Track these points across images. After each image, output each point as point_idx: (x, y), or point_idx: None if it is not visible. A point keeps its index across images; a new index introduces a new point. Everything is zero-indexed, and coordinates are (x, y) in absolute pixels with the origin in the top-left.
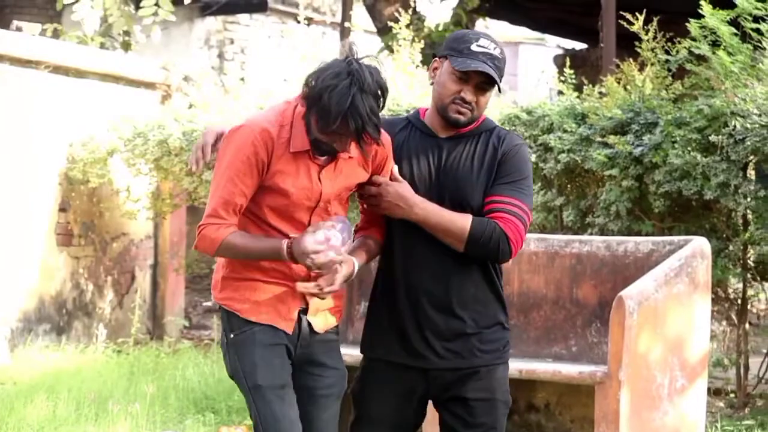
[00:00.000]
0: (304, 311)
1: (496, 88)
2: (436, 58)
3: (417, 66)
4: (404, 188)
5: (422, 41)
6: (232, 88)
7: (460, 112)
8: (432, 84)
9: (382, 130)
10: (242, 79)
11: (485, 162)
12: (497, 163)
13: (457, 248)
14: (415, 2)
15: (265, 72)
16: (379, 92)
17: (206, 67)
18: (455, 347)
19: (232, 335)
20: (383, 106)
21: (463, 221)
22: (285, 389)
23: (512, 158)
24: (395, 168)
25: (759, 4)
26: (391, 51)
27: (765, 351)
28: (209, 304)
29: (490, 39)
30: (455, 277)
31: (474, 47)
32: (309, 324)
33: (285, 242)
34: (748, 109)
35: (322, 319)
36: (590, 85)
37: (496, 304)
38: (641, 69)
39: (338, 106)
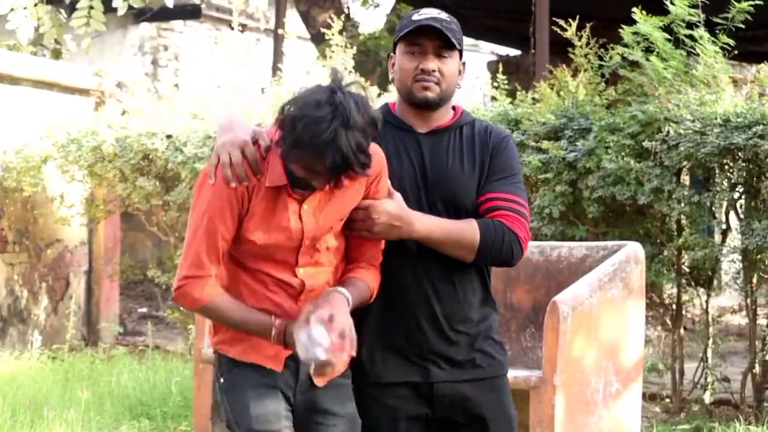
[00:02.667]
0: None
1: (459, 57)
2: (391, 54)
3: (350, 72)
4: (397, 204)
5: (356, 48)
6: (166, 94)
7: (425, 87)
8: (392, 80)
9: (373, 155)
10: (176, 86)
11: (475, 157)
12: (489, 156)
13: (466, 259)
14: (348, 9)
15: (199, 79)
16: (368, 126)
17: (140, 73)
18: (460, 358)
19: (222, 380)
20: (370, 139)
21: (470, 229)
22: None
23: (504, 151)
24: (388, 183)
25: (692, 10)
26: (325, 57)
27: (700, 356)
28: (144, 310)
29: (434, 9)
30: (455, 288)
31: (415, 16)
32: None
33: (276, 325)
34: (681, 114)
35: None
36: (523, 91)
37: (492, 311)
38: (574, 75)
39: (313, 139)
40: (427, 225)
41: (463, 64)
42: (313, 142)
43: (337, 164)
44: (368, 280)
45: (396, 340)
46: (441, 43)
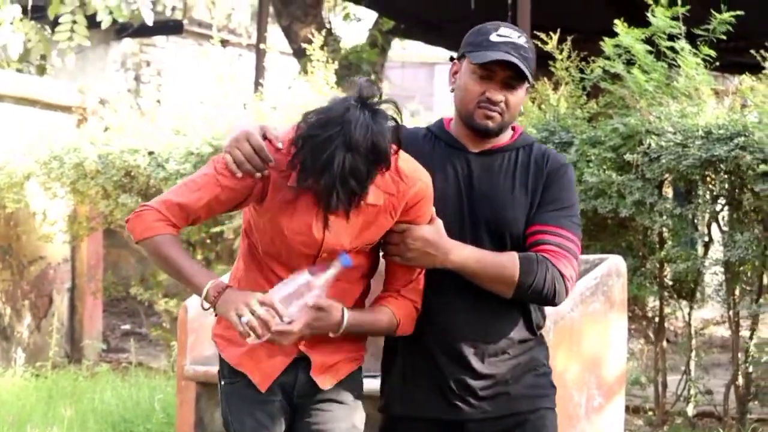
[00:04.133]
0: (304, 363)
1: (527, 83)
2: (455, 61)
3: (332, 87)
4: (435, 231)
5: (337, 62)
6: (149, 110)
7: (488, 116)
8: (452, 91)
9: (413, 178)
10: (158, 102)
11: (528, 182)
12: (542, 185)
13: (505, 294)
14: (330, 23)
15: (182, 94)
16: (371, 151)
17: (122, 89)
18: (495, 393)
19: (223, 382)
20: (380, 166)
21: (510, 263)
22: None
23: (559, 180)
24: (432, 209)
25: (673, 23)
26: (307, 72)
27: (683, 368)
28: (127, 327)
29: (512, 28)
30: (493, 317)
31: (494, 37)
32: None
33: (211, 284)
34: (662, 127)
35: (331, 376)
36: None
37: (536, 343)
38: (555, 88)
39: (313, 160)
40: (463, 255)
41: (529, 87)
42: (313, 163)
43: (327, 185)
44: (393, 307)
45: (424, 373)
46: (513, 73)
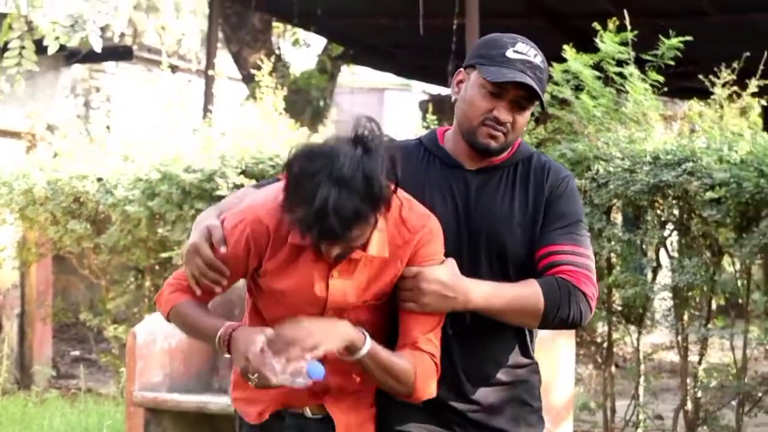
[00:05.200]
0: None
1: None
2: (461, 69)
3: (280, 113)
4: (449, 271)
5: (286, 88)
6: (98, 136)
7: (492, 136)
8: (455, 101)
9: (418, 226)
10: (108, 128)
11: (528, 198)
12: (545, 201)
13: (530, 326)
14: (279, 49)
15: (131, 120)
16: (362, 187)
17: (72, 115)
18: (480, 420)
19: None
20: (375, 208)
21: (534, 294)
22: None
23: (564, 195)
24: (441, 249)
25: (622, 48)
26: (256, 98)
27: (632, 394)
28: (77, 353)
29: (528, 44)
30: (483, 346)
31: (510, 53)
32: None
33: (226, 326)
34: (610, 152)
35: None
36: None
37: (530, 373)
38: None
39: (301, 200)
40: (485, 294)
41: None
42: (300, 203)
43: (309, 223)
44: (411, 360)
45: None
46: (525, 93)
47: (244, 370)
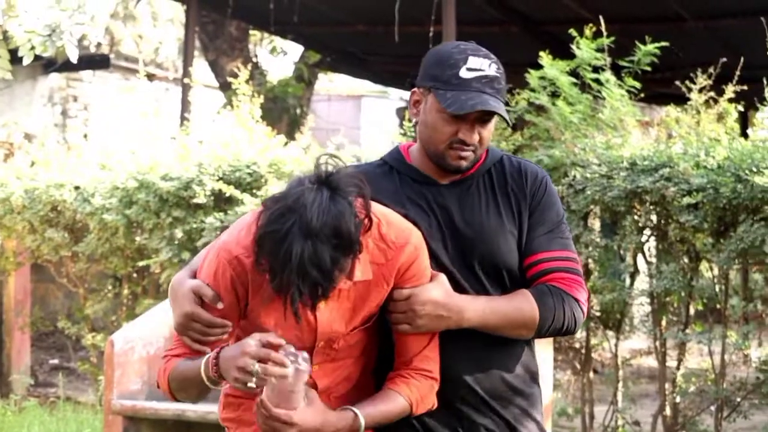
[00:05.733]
0: None
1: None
2: (415, 90)
3: (257, 121)
4: (441, 289)
5: (263, 96)
6: (75, 145)
7: (461, 157)
8: (415, 124)
9: (399, 242)
10: (85, 136)
11: (512, 206)
12: (528, 205)
13: (525, 337)
14: (256, 57)
15: (108, 129)
16: (333, 236)
17: (49, 124)
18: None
19: None
20: (348, 252)
21: (528, 305)
22: None
23: (545, 197)
24: (427, 267)
25: (598, 54)
26: (233, 106)
27: (610, 399)
28: (55, 361)
29: (480, 54)
30: (500, 361)
31: (464, 73)
32: None
33: (210, 358)
34: (587, 159)
35: None
36: None
37: (535, 386)
38: None
39: (274, 258)
40: (480, 311)
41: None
42: (274, 264)
43: (282, 283)
44: (406, 392)
45: (423, 422)
46: (487, 111)
47: (241, 376)
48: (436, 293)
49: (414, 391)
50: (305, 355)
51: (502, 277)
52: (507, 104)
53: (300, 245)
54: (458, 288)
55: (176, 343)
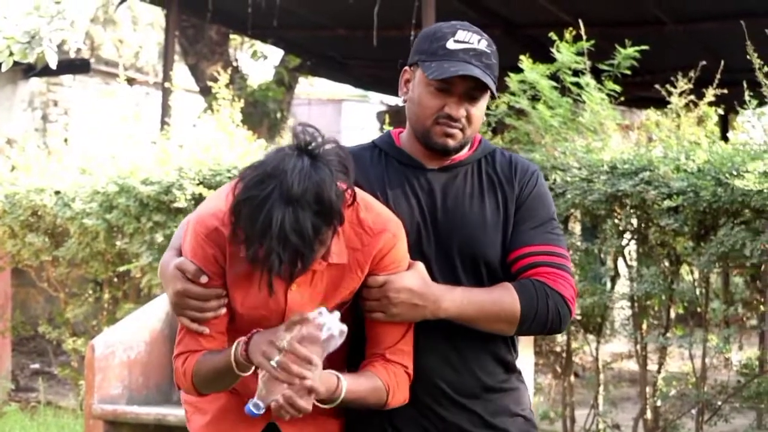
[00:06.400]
0: None
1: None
2: (406, 68)
3: (237, 125)
4: (417, 278)
5: (244, 100)
6: (56, 149)
7: (447, 134)
8: (404, 102)
9: (377, 227)
10: (66, 141)
11: (498, 197)
12: (516, 199)
13: (506, 333)
14: (237, 61)
15: (89, 133)
16: (314, 202)
17: (30, 129)
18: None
19: None
20: (331, 221)
21: (509, 298)
22: None
23: (535, 191)
24: (406, 255)
25: (578, 58)
26: (213, 110)
27: (591, 403)
28: (36, 366)
29: (471, 30)
30: (463, 356)
31: (451, 44)
32: None
33: (241, 341)
34: (568, 162)
35: None
36: None
37: (516, 382)
38: None
39: (252, 225)
40: (457, 301)
41: (491, 96)
42: (251, 231)
43: (268, 250)
44: (383, 376)
45: (394, 419)
46: (475, 84)
47: (268, 350)
48: (411, 281)
49: (391, 377)
50: (342, 326)
51: (479, 270)
52: (497, 85)
53: (281, 211)
54: (434, 279)
55: (185, 340)
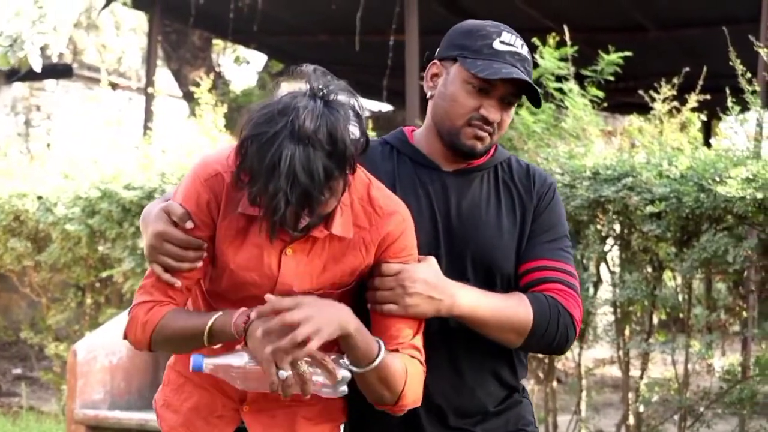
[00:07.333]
0: None
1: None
2: (435, 61)
3: (220, 130)
4: (433, 271)
5: (226, 105)
6: (38, 154)
7: (478, 137)
8: (430, 97)
9: (387, 208)
10: (48, 146)
11: (516, 206)
12: (533, 210)
13: (511, 344)
14: (219, 66)
15: (71, 138)
16: (327, 142)
17: (12, 133)
18: None
19: None
20: (343, 165)
21: (523, 308)
22: None
23: (551, 205)
24: (414, 248)
25: (561, 64)
26: (196, 115)
27: (573, 409)
28: (18, 371)
29: (513, 33)
30: (463, 374)
31: (497, 45)
32: None
33: (242, 311)
34: (550, 168)
35: None
36: None
37: (520, 398)
38: None
39: (260, 163)
40: (473, 300)
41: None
42: (258, 167)
43: (276, 189)
44: (401, 359)
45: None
46: (514, 90)
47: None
48: (427, 273)
49: (409, 365)
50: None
51: (493, 280)
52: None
53: (291, 148)
54: None
55: (152, 290)
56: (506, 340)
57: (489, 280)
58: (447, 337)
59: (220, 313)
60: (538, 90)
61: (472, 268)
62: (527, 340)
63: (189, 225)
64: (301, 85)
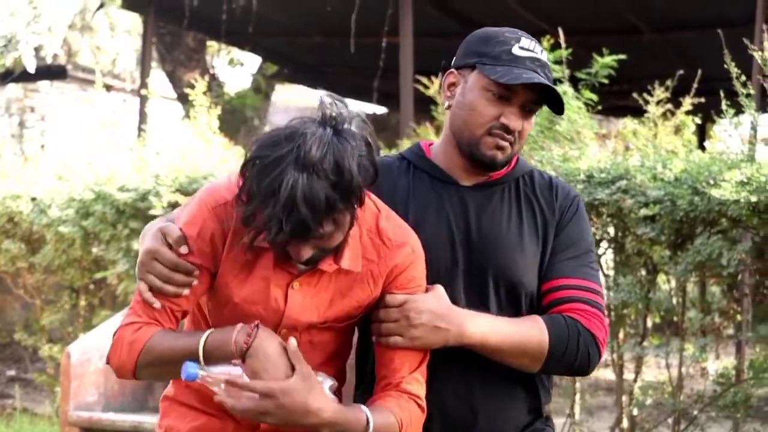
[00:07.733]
0: None
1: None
2: (452, 70)
3: (215, 132)
4: (440, 300)
5: (221, 107)
6: (32, 155)
7: (499, 147)
8: (448, 107)
9: (397, 240)
10: (42, 147)
11: (537, 222)
12: (556, 225)
13: (530, 369)
14: (214, 68)
15: (66, 139)
16: (332, 172)
17: (6, 135)
18: None
19: None
20: (349, 198)
21: (538, 332)
22: None
23: (575, 219)
24: (423, 278)
25: (556, 67)
26: (190, 117)
27: (567, 412)
28: (12, 373)
29: (532, 39)
30: (488, 396)
31: (517, 50)
32: None
33: (241, 327)
34: (545, 171)
35: None
36: (388, 149)
37: (544, 425)
38: (438, 132)
39: (258, 185)
40: (483, 327)
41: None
42: (259, 192)
43: (276, 217)
44: (396, 411)
45: None
46: (535, 97)
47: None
48: (433, 303)
49: (405, 413)
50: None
51: (518, 300)
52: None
53: (294, 175)
54: (458, 304)
55: (139, 312)
56: (522, 365)
57: (513, 299)
58: (463, 361)
59: (212, 330)
60: (561, 96)
61: (493, 286)
62: (545, 365)
63: (183, 250)
64: (313, 112)
